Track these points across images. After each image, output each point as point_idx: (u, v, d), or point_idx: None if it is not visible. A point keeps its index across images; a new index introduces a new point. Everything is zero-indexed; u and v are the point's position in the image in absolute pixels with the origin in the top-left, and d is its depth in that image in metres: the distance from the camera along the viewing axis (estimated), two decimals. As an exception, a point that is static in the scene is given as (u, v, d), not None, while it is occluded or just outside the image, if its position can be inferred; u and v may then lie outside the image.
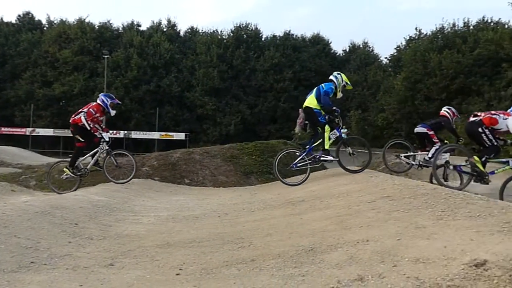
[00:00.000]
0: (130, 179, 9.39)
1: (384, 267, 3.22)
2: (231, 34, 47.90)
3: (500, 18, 36.56)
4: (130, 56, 46.03)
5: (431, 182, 8.22)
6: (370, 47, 50.37)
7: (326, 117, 8.94)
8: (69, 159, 9.59)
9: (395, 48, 45.17)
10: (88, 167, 9.41)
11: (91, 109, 9.05)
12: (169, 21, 52.14)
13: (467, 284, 2.81)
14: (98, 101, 9.26)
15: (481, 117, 8.04)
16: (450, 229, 3.81)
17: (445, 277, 2.89)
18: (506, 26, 32.82)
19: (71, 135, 9.40)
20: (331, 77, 9.21)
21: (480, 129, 7.91)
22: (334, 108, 8.99)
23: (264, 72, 45.26)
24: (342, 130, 9.19)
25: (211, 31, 49.79)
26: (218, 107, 44.78)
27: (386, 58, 47.70)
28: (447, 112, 10.34)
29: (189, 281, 3.48)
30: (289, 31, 49.17)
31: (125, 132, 44.18)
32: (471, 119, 8.38)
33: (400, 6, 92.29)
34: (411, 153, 9.79)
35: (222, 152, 15.03)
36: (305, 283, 3.16)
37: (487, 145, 7.97)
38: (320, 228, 4.65)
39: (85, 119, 8.91)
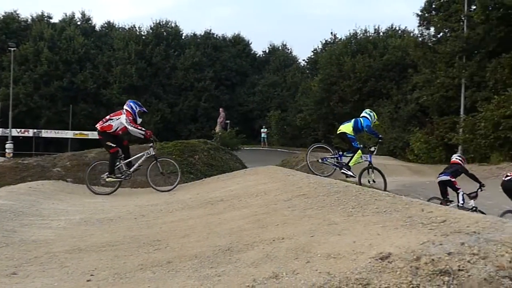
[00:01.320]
0: (175, 187, 9.25)
1: (298, 264, 3.32)
2: (151, 31, 46.76)
3: (406, 27, 39.46)
4: (40, 50, 43.21)
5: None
6: (288, 49, 51.86)
7: (361, 145, 10.10)
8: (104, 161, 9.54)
9: (312, 51, 47.03)
10: (131, 170, 9.25)
11: (128, 117, 8.81)
12: (83, 14, 49.87)
13: (373, 276, 2.98)
14: (127, 108, 8.99)
15: None
16: (359, 225, 4.02)
17: (354, 271, 3.04)
18: (412, 34, 35.43)
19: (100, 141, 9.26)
20: (365, 114, 10.26)
21: None
22: (380, 136, 10.53)
23: (184, 70, 44.73)
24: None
25: (129, 26, 48.27)
26: (137, 106, 43.52)
27: (304, 60, 49.50)
28: (459, 159, 11.06)
29: (100, 287, 3.34)
30: (210, 30, 49.18)
31: (35, 130, 41.39)
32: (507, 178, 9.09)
33: (317, 11, 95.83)
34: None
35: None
36: (221, 283, 3.16)
37: None
38: (237, 227, 4.69)
39: (133, 127, 8.81)
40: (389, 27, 40.58)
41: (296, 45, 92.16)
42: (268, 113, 42.17)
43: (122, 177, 9.23)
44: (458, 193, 10.01)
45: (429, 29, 29.20)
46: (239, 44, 49.42)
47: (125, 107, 9.01)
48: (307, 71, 47.26)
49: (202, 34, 48.74)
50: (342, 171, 9.84)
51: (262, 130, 37.87)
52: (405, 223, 3.89)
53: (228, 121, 23.30)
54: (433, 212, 4.12)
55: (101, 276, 3.60)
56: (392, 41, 35.25)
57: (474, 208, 9.55)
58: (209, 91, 44.45)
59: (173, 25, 47.80)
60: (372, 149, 10.06)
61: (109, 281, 3.46)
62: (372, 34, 38.50)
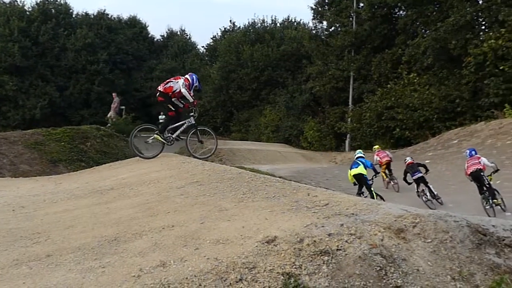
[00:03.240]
0: (211, 155, 9.81)
1: (186, 251, 3.30)
2: (36, 7, 42.89)
3: (301, 19, 40.92)
4: None
5: None
6: (187, 35, 50.94)
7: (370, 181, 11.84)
8: (149, 125, 9.82)
9: (211, 38, 46.66)
10: (174, 135, 9.22)
11: (185, 82, 8.94)
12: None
13: (259, 259, 3.07)
14: (188, 77, 9.13)
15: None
16: (248, 210, 4.11)
17: (241, 255, 3.11)
18: (306, 26, 36.85)
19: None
20: (362, 155, 12.64)
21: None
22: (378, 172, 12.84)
23: (75, 52, 41.72)
24: None
25: (11, 0, 43.77)
26: (20, 88, 39.61)
27: (203, 47, 48.98)
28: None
29: (-34, 287, 3.03)
30: (104, 11, 46.34)
31: None
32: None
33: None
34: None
35: (25, 138, 13.47)
36: (106, 275, 3.04)
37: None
38: (126, 216, 4.53)
39: (186, 90, 8.84)
40: (285, 19, 41.80)
41: (195, 31, 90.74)
42: (166, 100, 41.31)
43: (166, 141, 9.22)
44: (429, 186, 12.52)
45: (322, 23, 30.71)
46: (135, 26, 47.27)
47: (187, 75, 9.28)
48: (206, 58, 46.89)
49: (95, 14, 45.83)
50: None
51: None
52: (292, 207, 4.06)
53: (123, 107, 22.33)
54: (318, 196, 4.36)
55: (-32, 275, 3.26)
56: (288, 32, 36.36)
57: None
58: (103, 74, 41.98)
59: (62, 1, 44.33)
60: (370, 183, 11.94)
61: (-24, 280, 3.15)
62: (270, 25, 39.40)
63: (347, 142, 26.45)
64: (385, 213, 3.72)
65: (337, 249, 3.15)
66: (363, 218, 3.63)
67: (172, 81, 9.03)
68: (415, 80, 22.55)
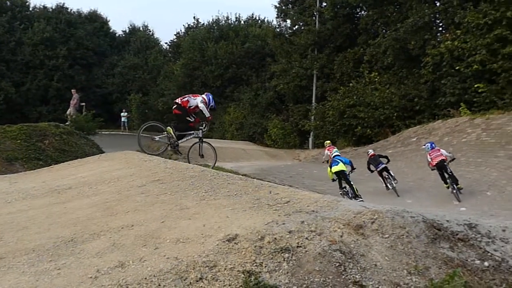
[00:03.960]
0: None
1: (146, 251, 3.25)
2: (-10, -1, 41.21)
3: (265, 17, 41.05)
4: None
5: None
6: (150, 31, 50.16)
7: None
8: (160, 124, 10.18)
9: (175, 35, 46.16)
10: (179, 141, 9.79)
11: (202, 99, 9.74)
12: None
13: (220, 258, 3.06)
14: (205, 96, 9.86)
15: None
16: (210, 208, 4.08)
17: (201, 254, 3.09)
18: (270, 24, 37.01)
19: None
20: (339, 153, 14.39)
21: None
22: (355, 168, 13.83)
23: (33, 46, 40.34)
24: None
25: (-37, -8, 41.81)
26: (-27, 83, 38.12)
27: (166, 43, 48.36)
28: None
29: None
30: (63, 4, 45.00)
31: None
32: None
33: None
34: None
35: (-24, 136, 12.95)
36: (61, 277, 2.95)
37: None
38: (84, 216, 4.41)
39: (204, 106, 9.64)
40: (249, 16, 41.89)
41: (159, 27, 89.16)
42: (128, 96, 40.47)
43: (169, 143, 9.79)
44: (390, 173, 14.11)
45: (286, 21, 30.93)
46: (96, 21, 46.14)
47: (203, 95, 9.98)
48: (170, 55, 46.32)
49: (53, 7, 44.43)
50: (359, 199, 11.36)
51: (122, 114, 36.22)
52: (253, 205, 4.07)
53: (83, 104, 21.71)
54: (279, 193, 4.38)
55: None
56: (252, 30, 36.44)
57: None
58: (62, 70, 40.79)
59: (18, -6, 42.70)
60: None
61: None
62: (234, 22, 39.36)
63: (310, 139, 26.78)
64: (344, 210, 3.78)
65: (298, 246, 3.18)
66: (324, 215, 3.68)
67: (190, 97, 9.86)
68: (376, 79, 23.07)
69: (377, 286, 3.00)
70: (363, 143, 22.18)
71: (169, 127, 9.79)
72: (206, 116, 9.80)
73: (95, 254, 3.27)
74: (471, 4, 18.80)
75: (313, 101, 27.22)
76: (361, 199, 11.64)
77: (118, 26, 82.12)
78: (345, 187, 12.52)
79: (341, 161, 12.98)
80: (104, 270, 2.96)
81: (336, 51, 26.51)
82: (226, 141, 28.78)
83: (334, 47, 26.71)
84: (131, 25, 49.95)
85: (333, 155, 13.82)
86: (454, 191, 12.38)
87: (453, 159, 13.18)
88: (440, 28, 22.05)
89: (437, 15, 21.17)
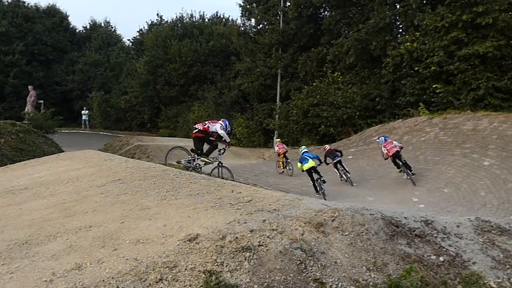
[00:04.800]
0: None
1: (104, 252, 3.17)
2: None
3: (230, 16, 40.93)
4: None
5: None
6: (112, 27, 49.08)
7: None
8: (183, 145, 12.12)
9: (137, 31, 45.36)
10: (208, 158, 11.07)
11: (221, 126, 11.08)
12: None
13: (180, 258, 3.02)
14: (222, 123, 11.19)
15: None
16: (171, 208, 4.03)
17: (162, 254, 3.04)
18: (235, 23, 36.92)
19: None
20: (306, 150, 14.91)
21: None
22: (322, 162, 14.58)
23: (-13, 41, 38.81)
24: None
25: None
26: None
27: (129, 40, 47.44)
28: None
29: None
30: (20, -3, 43.40)
31: None
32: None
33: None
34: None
35: None
36: (14, 281, 2.84)
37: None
38: (40, 217, 4.26)
39: (224, 132, 11.01)
40: (214, 15, 41.67)
41: (121, 24, 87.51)
42: (90, 94, 39.46)
43: (192, 166, 10.87)
44: (344, 166, 15.42)
45: (251, 20, 30.90)
46: (54, 16, 44.67)
47: (220, 121, 11.31)
48: (132, 52, 45.45)
49: (9, 1, 42.76)
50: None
51: (83, 112, 35.22)
52: (215, 204, 4.05)
53: (41, 101, 21.01)
54: (242, 192, 4.38)
55: None
56: (217, 28, 36.23)
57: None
58: (19, 66, 39.28)
59: (-30, -13, 40.85)
60: None
61: None
62: (198, 20, 39.01)
63: (275, 138, 26.91)
64: (306, 208, 3.82)
65: (259, 245, 3.19)
66: (285, 213, 3.71)
67: (210, 123, 11.13)
68: (339, 79, 23.39)
69: (337, 283, 3.04)
70: (326, 141, 22.44)
71: (203, 157, 11.01)
72: (227, 141, 11.26)
73: (51, 257, 3.16)
74: (429, 7, 19.38)
75: (278, 100, 27.34)
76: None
77: (79, 21, 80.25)
78: (318, 179, 13.48)
79: (310, 157, 13.89)
80: (60, 273, 2.87)
81: (300, 50, 26.71)
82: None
83: (298, 46, 26.90)
84: (92, 21, 48.75)
85: (302, 151, 14.60)
86: (409, 176, 13.82)
87: (402, 148, 14.60)
88: (400, 30, 22.59)
89: (398, 17, 21.66)
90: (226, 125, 11.27)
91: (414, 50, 19.22)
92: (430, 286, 3.26)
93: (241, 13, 30.71)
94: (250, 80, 28.20)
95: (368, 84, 21.88)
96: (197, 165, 10.97)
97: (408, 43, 19.43)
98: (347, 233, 3.54)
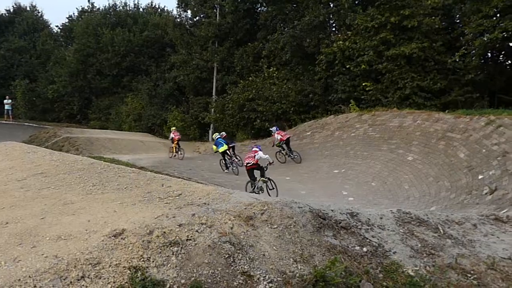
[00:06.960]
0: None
1: (21, 250, 2.99)
2: None
3: (165, 6, 39.97)
4: None
5: None
6: (39, 12, 46.24)
7: None
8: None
9: (67, 18, 43.14)
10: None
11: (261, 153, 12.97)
12: None
13: (104, 254, 2.92)
14: (257, 149, 13.08)
15: None
16: (97, 203, 3.88)
17: (84, 251, 2.92)
18: (171, 14, 36.16)
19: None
20: (219, 135, 18.04)
21: None
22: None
23: None
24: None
25: None
26: None
27: (57, 26, 44.96)
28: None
29: None
30: None
31: None
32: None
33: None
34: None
35: None
36: None
37: None
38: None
39: (263, 155, 12.89)
40: (149, 4, 40.57)
41: (48, 9, 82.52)
42: (13, 82, 37.03)
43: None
44: (236, 155, 17.84)
45: (187, 12, 30.41)
46: (-27, -3, 41.49)
47: (256, 148, 13.24)
48: (61, 39, 43.11)
49: None
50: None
51: (5, 101, 32.98)
52: (144, 198, 3.95)
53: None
54: (172, 186, 4.31)
55: None
56: (152, 18, 35.27)
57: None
58: None
59: None
60: None
61: None
62: (132, 9, 37.79)
63: (210, 132, 26.76)
64: (236, 202, 3.83)
65: (187, 239, 3.15)
66: (215, 207, 3.69)
67: (256, 155, 12.72)
68: (274, 74, 23.69)
69: (264, 275, 3.08)
70: (261, 136, 22.70)
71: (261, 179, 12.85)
72: (270, 161, 13.09)
73: (-40, 257, 2.93)
74: (361, 8, 20.12)
75: (214, 94, 27.21)
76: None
77: (1, 4, 74.76)
78: (232, 161, 16.95)
79: (223, 143, 16.93)
80: (-31, 274, 2.67)
81: (237, 44, 26.73)
82: (124, 133, 27.70)
83: (234, 40, 26.90)
84: (16, 4, 45.57)
85: (217, 137, 17.69)
86: (293, 157, 17.33)
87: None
88: (334, 29, 23.25)
89: (331, 16, 22.27)
90: (260, 149, 13.36)
91: (346, 48, 19.88)
92: (353, 275, 3.39)
93: (177, 4, 30.14)
94: (185, 72, 27.83)
95: (302, 80, 22.34)
96: (260, 187, 12.71)
97: (340, 42, 20.06)
98: (275, 226, 3.59)
